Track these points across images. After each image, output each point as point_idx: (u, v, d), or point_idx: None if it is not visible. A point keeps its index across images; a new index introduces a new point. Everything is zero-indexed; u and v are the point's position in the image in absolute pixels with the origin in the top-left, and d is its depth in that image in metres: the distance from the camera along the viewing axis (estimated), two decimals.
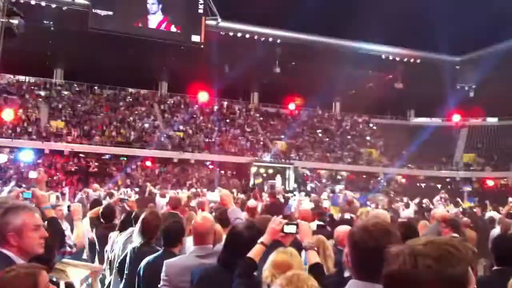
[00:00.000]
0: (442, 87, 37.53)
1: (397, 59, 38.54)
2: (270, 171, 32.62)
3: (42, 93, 32.99)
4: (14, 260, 2.60)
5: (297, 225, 3.30)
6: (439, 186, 33.94)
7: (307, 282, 2.27)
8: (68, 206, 6.58)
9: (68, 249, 4.30)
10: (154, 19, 33.22)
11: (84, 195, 11.72)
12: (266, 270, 2.91)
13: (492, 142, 36.65)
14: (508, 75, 31.74)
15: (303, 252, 3.39)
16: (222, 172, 31.78)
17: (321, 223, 7.51)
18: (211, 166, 31.67)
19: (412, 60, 38.63)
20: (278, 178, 30.80)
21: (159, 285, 3.77)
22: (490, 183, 33.22)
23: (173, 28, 33.50)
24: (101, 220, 6.58)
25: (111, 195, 11.32)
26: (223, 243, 3.60)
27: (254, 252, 3.08)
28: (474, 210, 12.84)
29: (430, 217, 9.33)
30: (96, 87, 34.83)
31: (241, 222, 4.18)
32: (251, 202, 10.35)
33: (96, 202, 7.77)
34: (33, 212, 2.87)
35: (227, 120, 36.62)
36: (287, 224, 3.25)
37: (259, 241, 3.16)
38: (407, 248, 1.42)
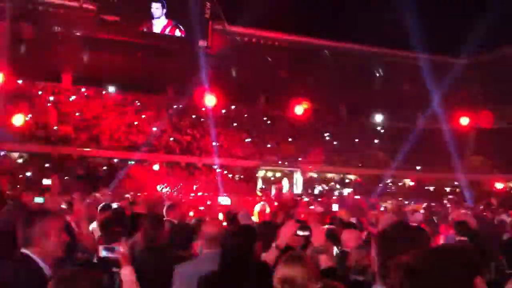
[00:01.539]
0: (451, 90, 37.37)
1: (404, 61, 38.43)
2: (278, 174, 32.66)
3: (51, 97, 33.15)
4: (37, 262, 2.71)
5: (310, 228, 3.33)
6: (447, 189, 33.90)
7: None
8: (70, 203, 6.43)
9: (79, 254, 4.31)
10: (158, 24, 33.41)
11: (93, 199, 11.76)
12: (275, 278, 2.88)
13: (500, 145, 36.38)
14: None
15: None
16: (230, 176, 31.82)
17: (332, 226, 7.53)
18: (218, 170, 31.72)
19: (420, 63, 38.50)
20: (285, 181, 30.85)
21: None
22: (499, 186, 33.03)
23: (177, 33, 33.68)
24: (110, 224, 6.58)
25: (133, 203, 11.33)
26: (228, 244, 3.60)
27: (269, 256, 3.10)
28: (484, 213, 12.77)
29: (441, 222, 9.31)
30: (104, 92, 34.94)
31: (234, 226, 4.19)
32: (259, 206, 10.37)
33: (107, 206, 7.78)
34: (57, 217, 2.99)
35: (234, 124, 36.63)
36: (301, 227, 3.28)
37: (273, 244, 3.18)
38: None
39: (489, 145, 35.06)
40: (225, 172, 31.86)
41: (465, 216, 7.25)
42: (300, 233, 3.28)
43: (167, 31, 33.62)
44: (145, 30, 33.14)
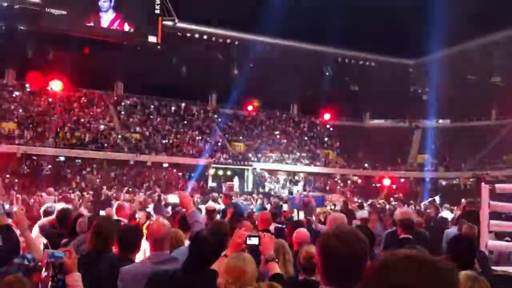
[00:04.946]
0: (396, 90, 38.48)
1: (353, 61, 39.19)
2: (228, 172, 32.64)
3: None
4: None
5: (259, 237, 3.36)
6: (393, 186, 34.75)
7: None
8: (8, 214, 6.17)
9: (25, 262, 4.10)
10: (106, 17, 32.65)
11: (37, 199, 11.42)
12: (220, 277, 2.91)
13: (444, 143, 37.67)
14: (460, 78, 32.79)
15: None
16: (180, 174, 31.58)
17: (279, 225, 7.59)
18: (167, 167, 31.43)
19: (367, 63, 39.36)
20: (236, 179, 30.88)
21: None
22: (443, 183, 34.13)
23: (126, 27, 32.99)
24: (55, 226, 6.37)
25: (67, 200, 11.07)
26: (188, 249, 3.57)
27: (218, 264, 3.11)
28: (428, 210, 13.15)
29: (387, 219, 9.53)
30: (49, 88, 33.88)
31: (205, 227, 4.15)
32: (210, 205, 10.33)
33: (50, 209, 7.50)
34: None
35: (185, 122, 36.39)
36: (250, 236, 3.31)
37: (222, 253, 3.19)
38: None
39: (433, 144, 36.22)
40: (175, 170, 31.62)
41: (409, 214, 7.45)
42: (249, 242, 3.31)
43: (115, 25, 32.89)
44: (92, 24, 32.31)
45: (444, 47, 34.84)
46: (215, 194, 14.68)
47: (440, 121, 40.49)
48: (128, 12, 33.15)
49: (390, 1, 33.22)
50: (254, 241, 3.28)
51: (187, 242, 4.53)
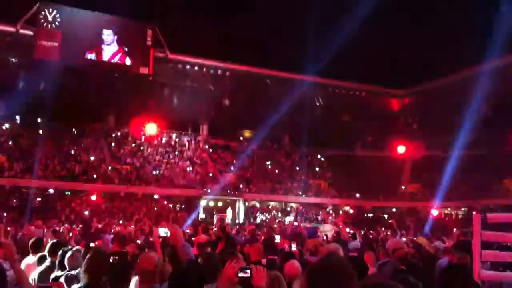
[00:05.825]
0: (387, 119, 38.73)
1: (343, 91, 39.49)
2: (219, 204, 32.44)
3: None
4: None
5: (251, 269, 3.31)
6: (385, 216, 34.70)
7: None
8: None
9: None
10: (109, 50, 32.90)
11: (25, 232, 11.26)
12: None
13: (435, 173, 37.69)
14: (448, 108, 33.09)
15: None
16: (171, 205, 31.34)
17: (271, 257, 7.50)
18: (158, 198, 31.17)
19: (357, 93, 39.66)
20: (229, 211, 30.71)
21: None
22: (435, 213, 34.05)
23: (127, 60, 33.28)
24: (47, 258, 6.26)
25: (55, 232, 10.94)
26: (168, 283, 3.52)
27: None
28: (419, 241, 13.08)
29: (379, 249, 9.46)
30: (39, 120, 33.75)
31: (185, 261, 4.11)
32: (200, 236, 10.21)
33: (39, 242, 7.36)
34: None
35: (176, 153, 36.29)
36: (241, 269, 3.27)
37: (214, 287, 3.15)
38: None
39: (424, 173, 36.29)
40: (166, 202, 31.38)
41: (401, 244, 7.38)
42: (240, 274, 3.26)
43: (116, 58, 33.12)
44: (93, 56, 32.51)
45: (434, 78, 35.43)
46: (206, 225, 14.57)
47: (431, 150, 40.66)
48: (129, 45, 33.46)
49: (382, 31, 33.89)
50: (246, 274, 3.23)
51: None
